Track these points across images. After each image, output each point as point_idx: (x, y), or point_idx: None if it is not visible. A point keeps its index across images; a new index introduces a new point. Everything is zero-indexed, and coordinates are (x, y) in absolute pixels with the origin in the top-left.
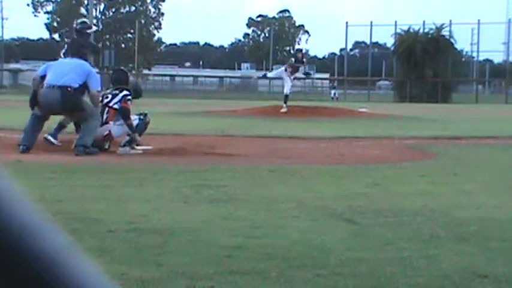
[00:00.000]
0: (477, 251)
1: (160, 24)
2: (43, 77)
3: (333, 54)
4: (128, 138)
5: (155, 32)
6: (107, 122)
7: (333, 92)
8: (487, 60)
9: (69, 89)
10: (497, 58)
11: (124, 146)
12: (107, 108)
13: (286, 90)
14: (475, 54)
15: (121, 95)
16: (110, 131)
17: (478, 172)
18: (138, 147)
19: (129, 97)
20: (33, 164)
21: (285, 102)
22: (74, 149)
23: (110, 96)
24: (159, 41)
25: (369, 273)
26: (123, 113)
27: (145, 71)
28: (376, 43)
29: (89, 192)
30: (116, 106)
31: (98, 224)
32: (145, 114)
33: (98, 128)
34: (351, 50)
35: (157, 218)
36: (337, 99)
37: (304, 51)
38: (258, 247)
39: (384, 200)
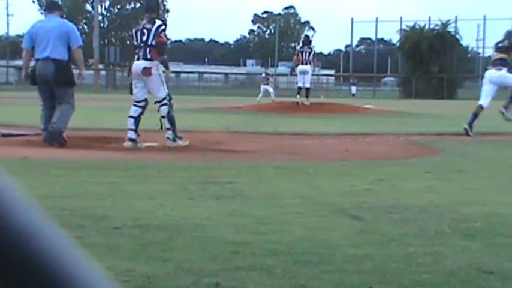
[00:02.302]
0: (483, 247)
1: (165, 20)
2: (33, 48)
3: (339, 50)
4: (170, 132)
5: None
6: (151, 59)
7: (354, 88)
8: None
9: (62, 62)
10: None
11: (173, 139)
12: (148, 48)
13: (308, 83)
14: (480, 50)
15: (154, 29)
16: (149, 67)
17: (484, 168)
18: (145, 144)
19: (163, 27)
20: (39, 161)
21: (307, 96)
22: (50, 128)
23: (145, 32)
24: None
25: (374, 269)
26: (159, 48)
27: None
28: (382, 39)
29: (95, 189)
30: (153, 43)
31: (103, 221)
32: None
33: (71, 115)
34: (356, 46)
35: (162, 214)
36: (353, 95)
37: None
38: (264, 243)
39: (390, 196)
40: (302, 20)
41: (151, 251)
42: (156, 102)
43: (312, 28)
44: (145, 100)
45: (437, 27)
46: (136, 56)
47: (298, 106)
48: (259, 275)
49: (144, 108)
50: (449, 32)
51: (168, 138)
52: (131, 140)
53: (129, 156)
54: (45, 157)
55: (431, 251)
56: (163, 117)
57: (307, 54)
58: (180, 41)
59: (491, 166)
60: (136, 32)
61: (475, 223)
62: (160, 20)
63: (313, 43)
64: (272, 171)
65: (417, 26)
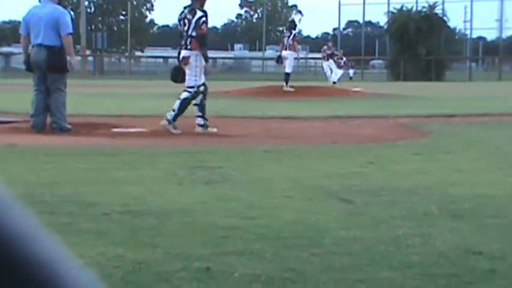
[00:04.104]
0: (472, 228)
1: (152, 5)
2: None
3: (326, 33)
4: (172, 113)
5: (147, 13)
6: (191, 49)
7: (351, 71)
8: (480, 38)
9: (55, 48)
10: (491, 35)
11: (169, 121)
12: (189, 39)
13: (290, 68)
14: (468, 31)
15: (194, 20)
16: (187, 57)
17: (472, 150)
18: (214, 129)
19: (204, 19)
20: (27, 148)
21: (286, 82)
22: (52, 127)
23: (186, 22)
24: (152, 22)
25: (363, 251)
26: (199, 41)
27: (138, 53)
28: (369, 22)
29: (84, 175)
30: (193, 34)
31: (93, 207)
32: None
33: (65, 101)
34: (344, 29)
35: (152, 200)
36: (350, 78)
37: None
38: (254, 227)
39: (378, 178)
40: (289, 4)
41: (141, 236)
42: (186, 87)
43: (300, 12)
44: (203, 85)
45: (424, 9)
46: (181, 46)
47: (284, 90)
48: (249, 259)
49: (204, 93)
50: (436, 13)
51: (166, 118)
52: (200, 125)
53: (118, 142)
54: (33, 144)
55: (420, 233)
56: (179, 98)
57: (287, 38)
58: (168, 26)
59: (479, 147)
60: (179, 21)
61: (463, 204)
62: (201, 10)
63: (300, 27)
64: (261, 156)
65: (404, 8)
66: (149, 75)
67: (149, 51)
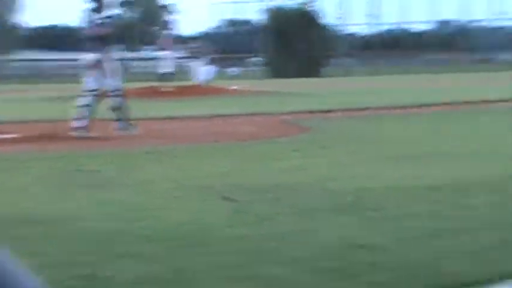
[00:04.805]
0: (354, 221)
1: (20, 7)
2: None
3: (202, 33)
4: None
5: (13, 16)
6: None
7: (234, 69)
8: (355, 34)
9: None
10: (365, 31)
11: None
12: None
13: (168, 68)
14: (342, 27)
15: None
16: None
17: (351, 143)
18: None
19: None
20: None
21: (166, 81)
22: None
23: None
24: (18, 25)
25: (251, 249)
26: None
27: (3, 57)
28: (246, 20)
29: None
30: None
31: None
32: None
33: None
34: (219, 28)
35: (31, 207)
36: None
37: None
38: (138, 230)
39: (260, 176)
40: (162, 4)
41: (23, 245)
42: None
43: (172, 12)
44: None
45: (300, 7)
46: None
47: (163, 90)
48: (136, 261)
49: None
50: (311, 11)
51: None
52: (78, 128)
53: None
54: None
55: (304, 228)
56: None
57: (162, 39)
58: (41, 27)
59: (357, 141)
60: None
61: (345, 198)
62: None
63: (174, 27)
64: (142, 157)
65: (280, 6)
66: (20, 79)
67: (17, 55)
